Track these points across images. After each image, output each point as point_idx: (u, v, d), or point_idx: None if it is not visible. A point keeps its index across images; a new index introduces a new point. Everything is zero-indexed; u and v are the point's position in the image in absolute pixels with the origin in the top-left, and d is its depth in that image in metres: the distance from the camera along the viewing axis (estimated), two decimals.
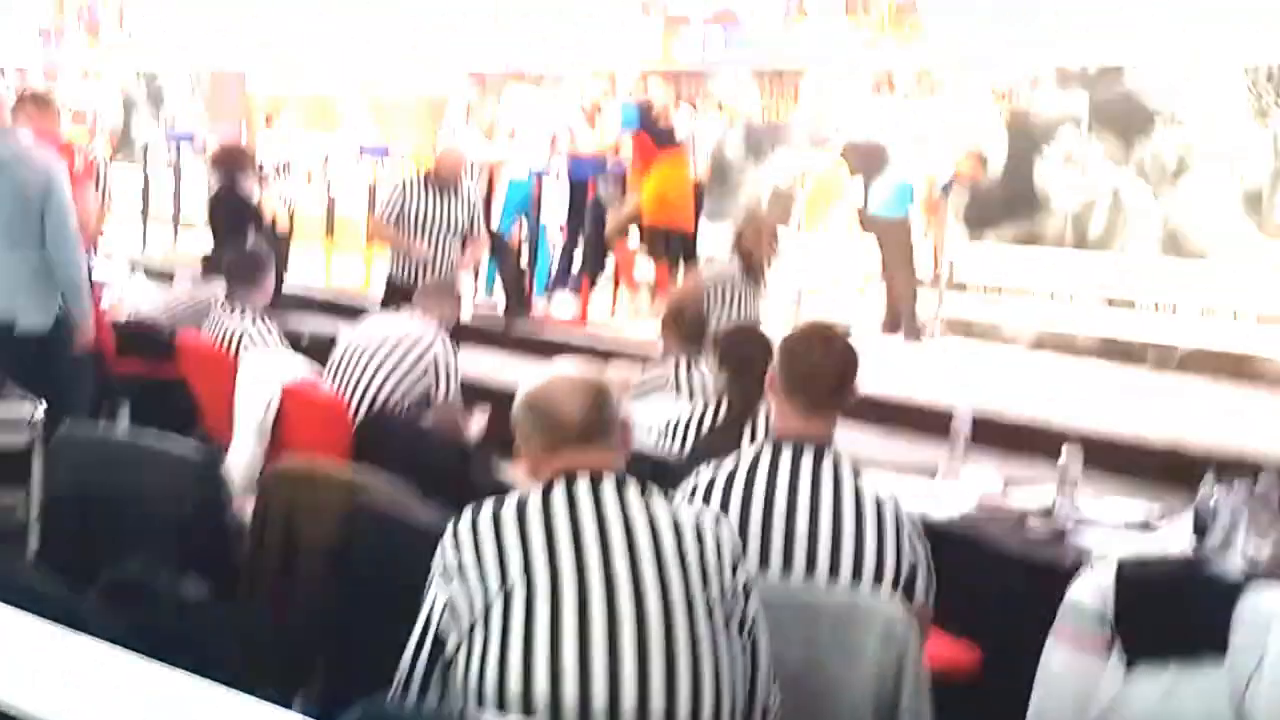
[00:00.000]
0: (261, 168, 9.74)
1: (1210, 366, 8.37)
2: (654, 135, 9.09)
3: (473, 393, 5.49)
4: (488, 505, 2.36)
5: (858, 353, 2.90)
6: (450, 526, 2.34)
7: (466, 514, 2.35)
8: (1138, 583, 2.84)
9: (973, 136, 9.42)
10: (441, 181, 7.24)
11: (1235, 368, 8.32)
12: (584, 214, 9.85)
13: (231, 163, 8.29)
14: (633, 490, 2.37)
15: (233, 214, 8.06)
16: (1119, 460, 5.85)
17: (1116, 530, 3.72)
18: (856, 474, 2.79)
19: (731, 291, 6.06)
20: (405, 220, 7.15)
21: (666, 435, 4.08)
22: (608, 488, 2.35)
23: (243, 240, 7.59)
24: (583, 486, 2.34)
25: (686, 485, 2.84)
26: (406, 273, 7.16)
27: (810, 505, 2.73)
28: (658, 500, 2.38)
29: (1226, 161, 8.45)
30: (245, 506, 3.57)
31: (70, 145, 6.42)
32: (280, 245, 10.12)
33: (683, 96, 10.29)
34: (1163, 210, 8.73)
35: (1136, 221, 8.84)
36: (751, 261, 6.22)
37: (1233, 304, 8.43)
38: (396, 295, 6.83)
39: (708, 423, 3.99)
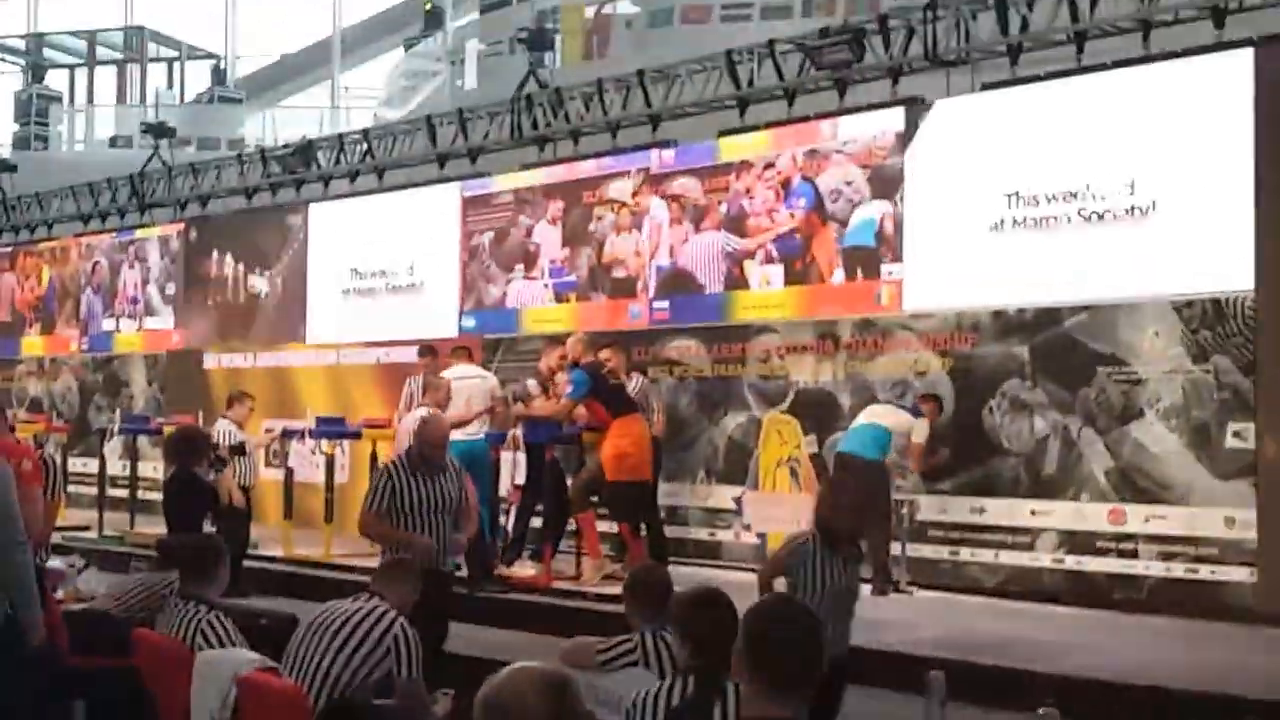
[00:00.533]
0: (216, 448, 9.72)
1: (1177, 603, 8.36)
2: (606, 400, 9.20)
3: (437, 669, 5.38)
4: None
5: (821, 627, 2.84)
6: None
7: None
8: None
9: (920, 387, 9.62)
10: (428, 458, 6.78)
11: (1202, 604, 8.30)
12: (541, 477, 9.87)
13: (186, 447, 8.24)
14: None
15: (188, 500, 7.98)
16: (1099, 703, 5.79)
17: None
18: None
19: (811, 566, 5.53)
20: (398, 509, 6.65)
21: (637, 711, 3.97)
22: None
23: (198, 526, 7.50)
24: None
25: None
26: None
27: None
28: None
29: (1170, 400, 8.61)
30: None
31: (19, 445, 6.39)
32: (239, 525, 10.08)
33: (633, 357, 10.47)
34: (1112, 452, 8.83)
35: (1088, 464, 8.94)
36: (832, 531, 5.66)
37: (1191, 545, 8.46)
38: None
39: (676, 698, 3.89)
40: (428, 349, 11.37)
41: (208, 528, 8.21)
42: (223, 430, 10.67)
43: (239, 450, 10.47)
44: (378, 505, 6.68)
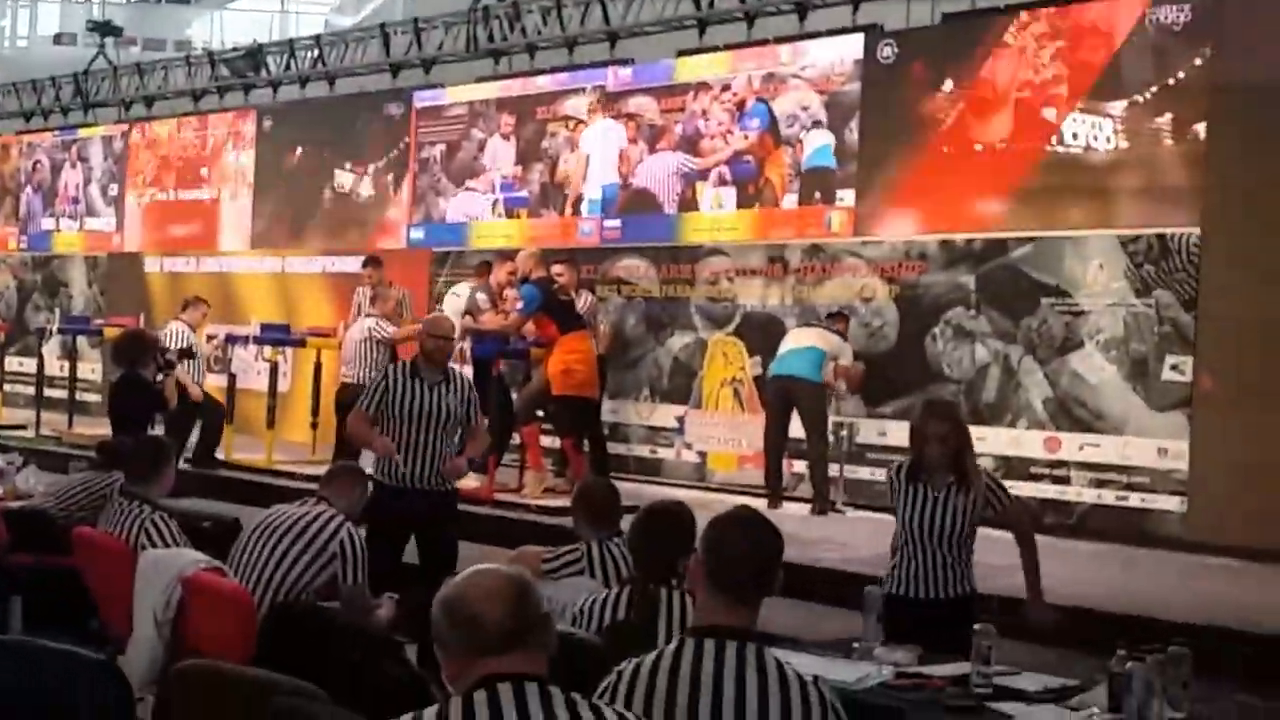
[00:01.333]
0: (165, 351, 9.63)
1: (1107, 529, 8.55)
2: (556, 316, 9.19)
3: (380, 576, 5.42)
4: (407, 717, 2.28)
5: (781, 538, 2.89)
6: None
7: None
8: None
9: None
10: (430, 357, 6.28)
11: (1131, 530, 8.50)
12: (489, 391, 9.86)
13: (133, 350, 8.17)
14: (558, 697, 2.31)
15: (134, 401, 7.93)
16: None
17: (1034, 700, 3.74)
18: (779, 663, 2.76)
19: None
20: (388, 414, 6.18)
21: (583, 619, 4.03)
22: (531, 695, 2.29)
23: (144, 428, 7.45)
24: (506, 695, 2.28)
25: (607, 684, 2.78)
26: (395, 475, 6.21)
27: (735, 702, 2.67)
28: (583, 706, 2.33)
29: (1111, 333, 8.74)
30: (144, 707, 3.45)
31: None
32: (207, 416, 10.05)
33: (582, 275, 10.46)
34: (1051, 381, 8.97)
35: (1027, 392, 9.07)
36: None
37: (1124, 473, 8.64)
38: (384, 501, 6.04)
39: (622, 607, 3.95)
40: (372, 259, 11.31)
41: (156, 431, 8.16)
42: (175, 331, 10.61)
43: (188, 354, 10.40)
44: (368, 405, 6.26)
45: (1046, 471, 8.93)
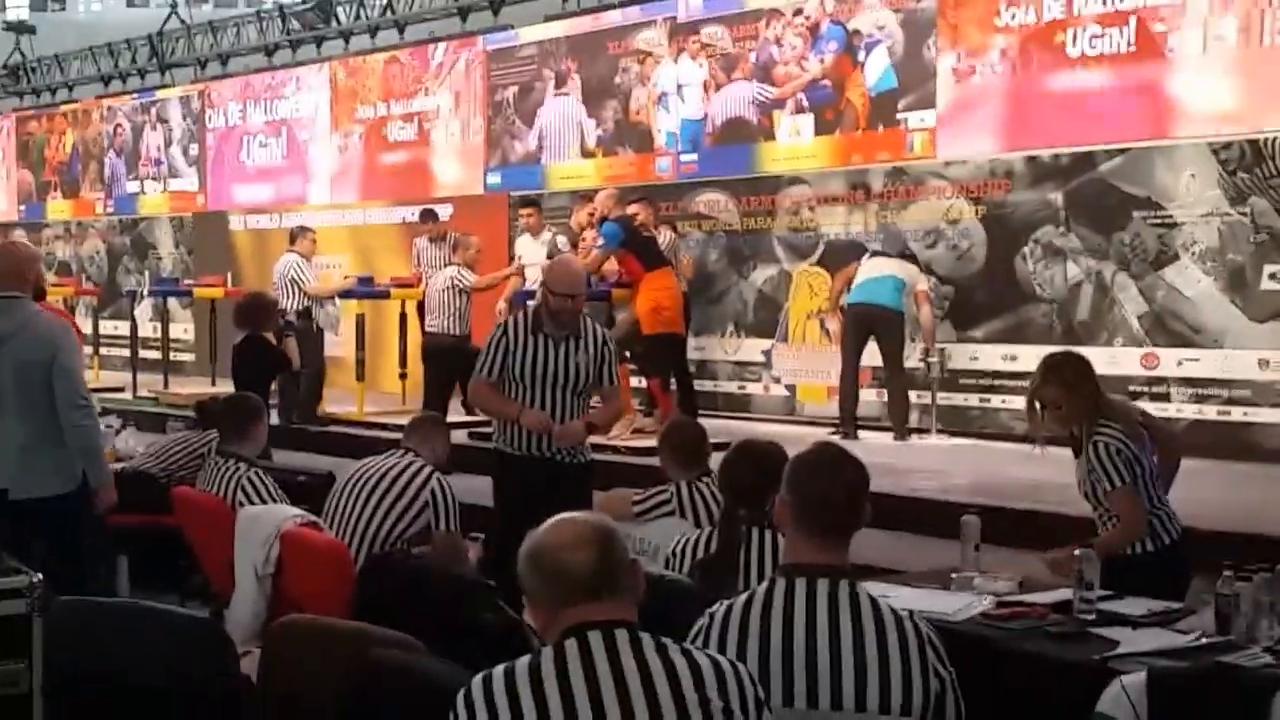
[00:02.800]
0: (284, 313, 9.74)
1: (1209, 445, 8.37)
2: (639, 253, 9.12)
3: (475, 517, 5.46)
4: (499, 670, 2.28)
5: (867, 472, 2.84)
6: (462, 693, 2.27)
7: (479, 679, 2.28)
8: (1170, 690, 2.78)
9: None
10: (555, 313, 5.29)
11: (1234, 445, 8.31)
12: None
13: (254, 313, 8.27)
14: (648, 642, 2.30)
15: (257, 365, 8.04)
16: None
17: (1138, 625, 3.66)
18: (873, 599, 2.72)
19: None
20: (511, 376, 5.32)
21: (675, 560, 4.02)
22: (622, 642, 2.28)
23: (266, 389, 7.57)
24: (596, 643, 2.27)
25: (699, 626, 2.77)
26: (519, 443, 5.39)
27: (830, 638, 2.66)
28: (674, 650, 2.31)
29: (1206, 244, 8.51)
30: (250, 661, 3.50)
31: (63, 314, 6.43)
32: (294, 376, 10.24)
33: (660, 212, 10.38)
34: (1146, 296, 8.77)
35: (1122, 309, 8.88)
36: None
37: (1224, 387, 8.45)
38: (510, 473, 5.45)
39: (713, 547, 3.93)
40: (428, 212, 11.47)
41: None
42: (290, 262, 10.75)
43: (306, 316, 10.59)
44: (488, 369, 5.35)
45: (1145, 389, 8.74)
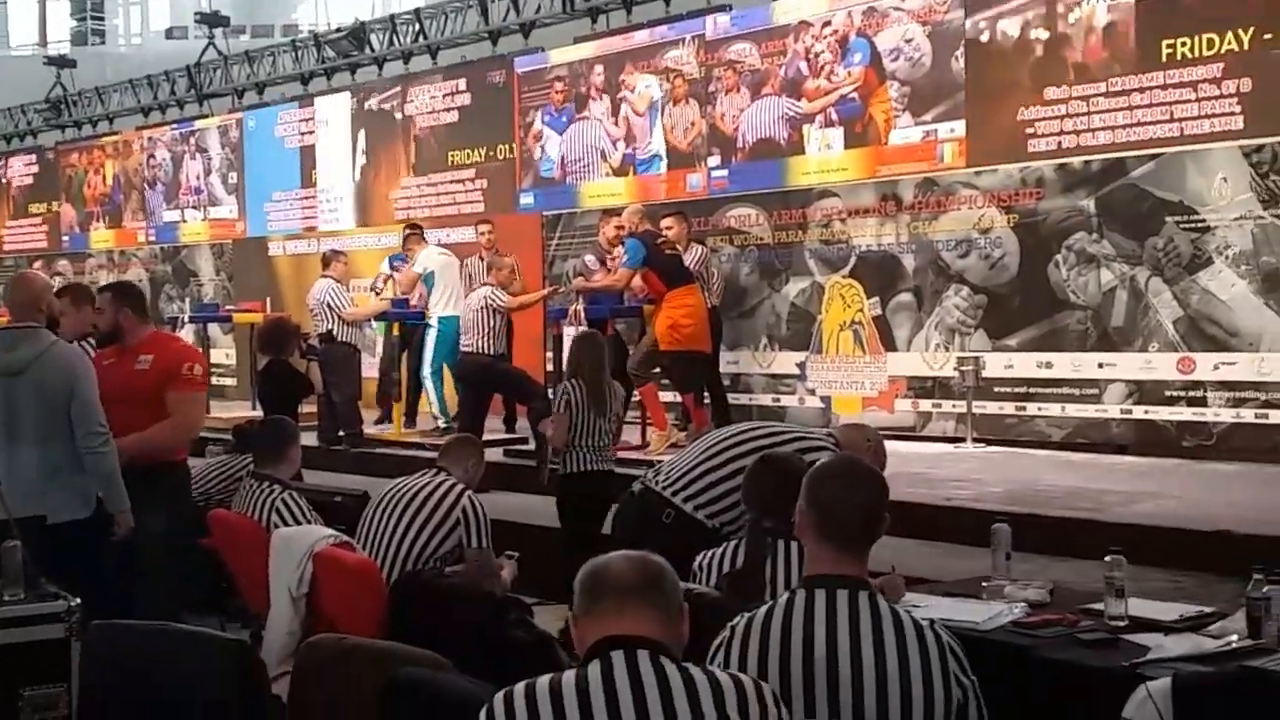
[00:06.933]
0: (306, 337, 9.85)
1: (1247, 448, 8.30)
2: (661, 270, 9.12)
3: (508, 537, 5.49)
4: (521, 686, 2.30)
5: (883, 484, 2.85)
6: (485, 709, 2.29)
7: (500, 695, 2.30)
8: (1195, 695, 2.76)
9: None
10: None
11: (1272, 448, 8.24)
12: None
13: (278, 338, 8.37)
14: (670, 667, 2.29)
15: (282, 390, 8.13)
16: (1166, 550, 5.79)
17: (1170, 630, 3.64)
18: (893, 609, 2.73)
19: None
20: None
21: (703, 574, 4.03)
22: (644, 660, 2.28)
23: (293, 413, 7.64)
24: (618, 661, 2.28)
25: (721, 640, 2.78)
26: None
27: (851, 650, 2.66)
28: (695, 669, 2.31)
29: (1240, 247, 8.45)
30: (285, 683, 3.53)
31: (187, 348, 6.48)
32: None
33: (692, 228, 10.40)
34: (1181, 301, 8.71)
35: (1157, 314, 8.82)
36: None
37: (1261, 390, 8.37)
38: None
39: (739, 560, 3.94)
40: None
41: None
42: (325, 287, 10.86)
43: (330, 339, 10.71)
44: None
45: (1182, 394, 8.69)
